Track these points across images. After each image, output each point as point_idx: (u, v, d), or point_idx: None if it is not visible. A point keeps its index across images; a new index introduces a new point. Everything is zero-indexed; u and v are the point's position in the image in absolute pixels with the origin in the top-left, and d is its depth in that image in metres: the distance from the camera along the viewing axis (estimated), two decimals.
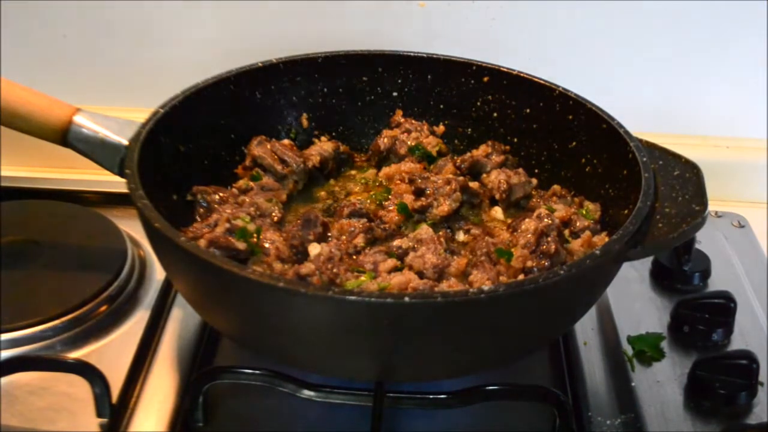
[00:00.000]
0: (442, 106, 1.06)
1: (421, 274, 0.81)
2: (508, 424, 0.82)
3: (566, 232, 0.87)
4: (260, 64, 1.00)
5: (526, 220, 0.86)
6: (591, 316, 0.95)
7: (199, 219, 0.88)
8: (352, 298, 0.64)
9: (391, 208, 0.92)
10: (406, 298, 0.64)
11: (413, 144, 1.02)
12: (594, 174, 0.92)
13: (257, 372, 0.80)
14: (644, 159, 0.82)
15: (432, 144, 1.02)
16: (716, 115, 1.20)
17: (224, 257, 0.73)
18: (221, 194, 0.91)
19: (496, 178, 0.96)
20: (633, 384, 0.86)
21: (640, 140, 0.86)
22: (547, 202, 0.93)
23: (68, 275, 0.95)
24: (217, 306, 0.76)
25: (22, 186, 1.15)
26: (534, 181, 0.98)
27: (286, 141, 1.01)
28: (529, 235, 0.83)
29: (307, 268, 0.77)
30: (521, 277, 0.81)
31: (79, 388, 0.80)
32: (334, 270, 0.78)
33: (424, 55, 1.04)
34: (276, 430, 0.81)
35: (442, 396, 0.79)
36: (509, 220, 0.94)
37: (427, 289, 0.76)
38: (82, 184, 1.14)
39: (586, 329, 0.93)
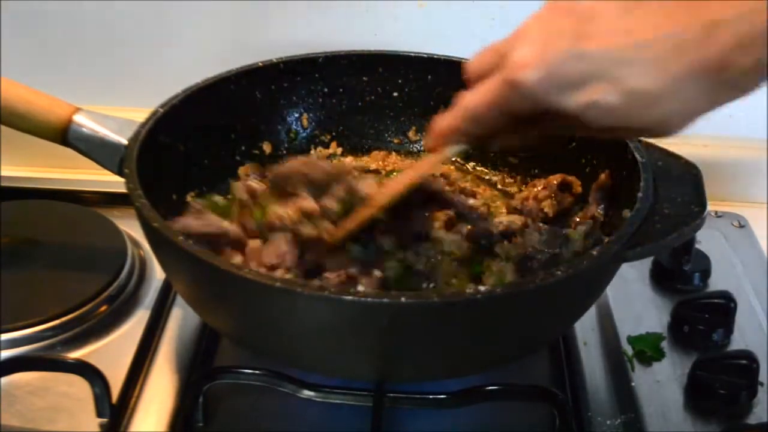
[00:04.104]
0: (442, 106, 1.05)
1: None
2: (508, 424, 0.82)
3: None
4: (260, 64, 1.00)
5: None
6: (591, 316, 0.95)
7: None
8: (349, 298, 0.64)
9: None
10: (403, 299, 0.63)
11: None
12: (594, 174, 0.92)
13: (257, 372, 0.80)
14: (644, 160, 0.82)
15: None
16: (716, 115, 1.19)
17: (223, 258, 0.73)
18: None
19: None
20: (633, 384, 0.86)
21: (640, 140, 0.86)
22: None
23: (68, 275, 0.95)
24: (215, 306, 0.76)
25: (22, 186, 1.15)
26: None
27: None
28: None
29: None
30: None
31: (79, 388, 0.80)
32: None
33: (424, 55, 1.04)
34: (276, 430, 0.81)
35: (442, 396, 0.79)
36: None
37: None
38: (82, 184, 1.14)
39: (586, 329, 0.93)
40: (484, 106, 0.63)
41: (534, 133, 0.69)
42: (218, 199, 0.90)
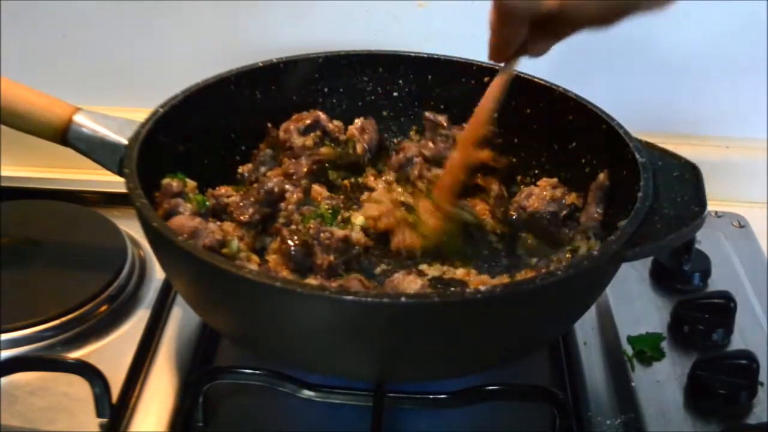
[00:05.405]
0: (442, 106, 1.06)
1: None
2: (508, 424, 0.82)
3: None
4: (260, 64, 1.00)
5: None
6: (591, 316, 0.95)
7: None
8: (349, 298, 0.64)
9: None
10: (403, 299, 0.63)
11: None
12: (594, 174, 0.92)
13: (257, 372, 0.80)
14: (643, 160, 0.82)
15: None
16: (716, 115, 1.20)
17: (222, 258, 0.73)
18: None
19: None
20: (633, 384, 0.86)
21: (640, 141, 0.86)
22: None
23: (68, 275, 0.95)
24: (214, 306, 0.76)
25: (22, 186, 1.15)
26: None
27: None
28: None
29: None
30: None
31: (79, 388, 0.80)
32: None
33: (424, 55, 1.04)
34: (276, 430, 0.81)
35: (442, 396, 0.79)
36: None
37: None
38: (82, 184, 1.14)
39: (586, 329, 0.93)
40: (496, 22, 0.78)
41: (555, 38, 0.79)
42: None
